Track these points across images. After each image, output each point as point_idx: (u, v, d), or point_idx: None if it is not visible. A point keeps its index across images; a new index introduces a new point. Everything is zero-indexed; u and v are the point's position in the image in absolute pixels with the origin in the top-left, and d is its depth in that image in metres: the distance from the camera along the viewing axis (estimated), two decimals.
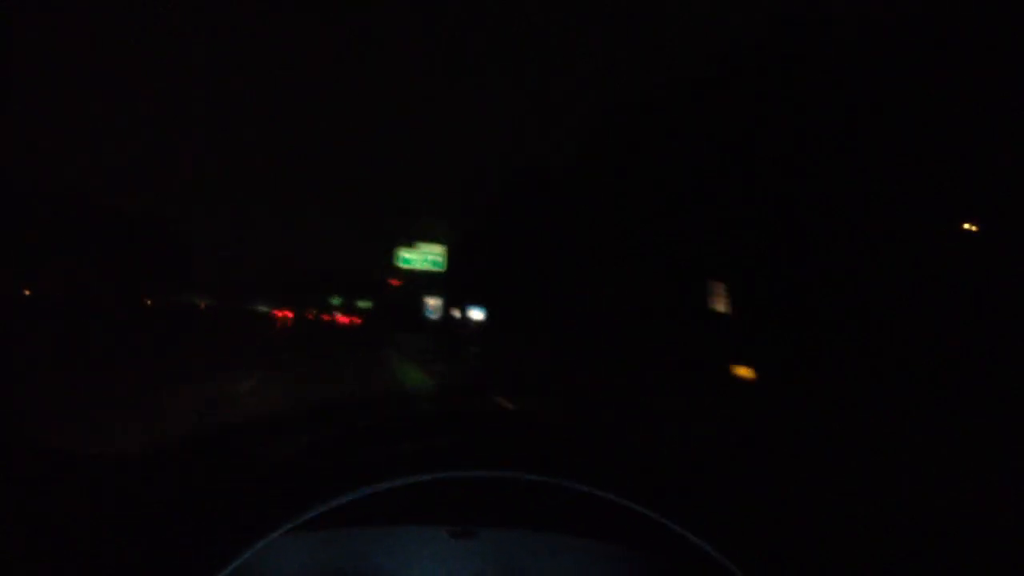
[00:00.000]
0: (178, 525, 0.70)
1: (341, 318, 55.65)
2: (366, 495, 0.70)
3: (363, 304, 58.23)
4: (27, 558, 0.75)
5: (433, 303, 33.32)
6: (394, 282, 66.45)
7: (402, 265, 28.84)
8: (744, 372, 11.65)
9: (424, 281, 33.13)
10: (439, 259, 28.83)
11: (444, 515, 0.95)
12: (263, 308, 53.22)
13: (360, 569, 0.97)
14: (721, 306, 13.79)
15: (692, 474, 0.89)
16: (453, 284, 31.13)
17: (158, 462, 1.02)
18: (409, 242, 28.74)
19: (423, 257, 28.93)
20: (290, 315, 52.25)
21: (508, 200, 26.80)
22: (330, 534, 0.92)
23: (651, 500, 0.75)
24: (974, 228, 9.55)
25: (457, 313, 33.27)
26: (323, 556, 0.96)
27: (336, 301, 61.97)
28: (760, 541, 0.76)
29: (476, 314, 29.21)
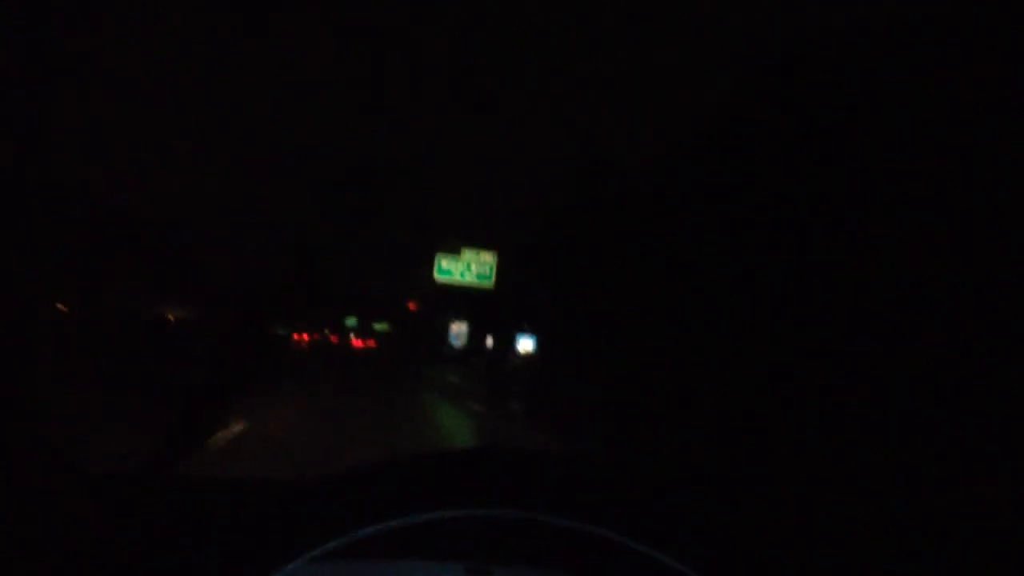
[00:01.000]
0: (196, 554, 0.70)
1: (356, 342, 53.52)
2: (385, 530, 0.71)
3: (379, 327, 56.84)
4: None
5: (457, 328, 31.76)
6: (412, 305, 64.88)
7: (440, 278, 23.04)
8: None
9: (455, 301, 31.40)
10: (487, 270, 23.20)
11: (461, 552, 0.93)
12: (280, 331, 50.97)
13: None
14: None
15: (719, 523, 0.83)
16: (487, 307, 27.58)
17: (179, 488, 1.06)
18: (452, 248, 23.38)
19: (466, 267, 23.11)
20: (306, 338, 50.60)
21: (570, 208, 21.57)
22: (346, 565, 0.89)
23: (674, 549, 0.73)
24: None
25: (489, 341, 30.19)
26: None
27: (351, 323, 60.28)
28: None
29: (525, 344, 24.91)
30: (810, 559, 0.83)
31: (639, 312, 15.64)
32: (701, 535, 0.80)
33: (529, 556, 0.95)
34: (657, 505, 0.84)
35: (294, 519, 0.74)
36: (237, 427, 6.66)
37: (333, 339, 50.45)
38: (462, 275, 22.81)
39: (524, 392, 16.49)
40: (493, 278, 22.93)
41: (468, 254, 22.76)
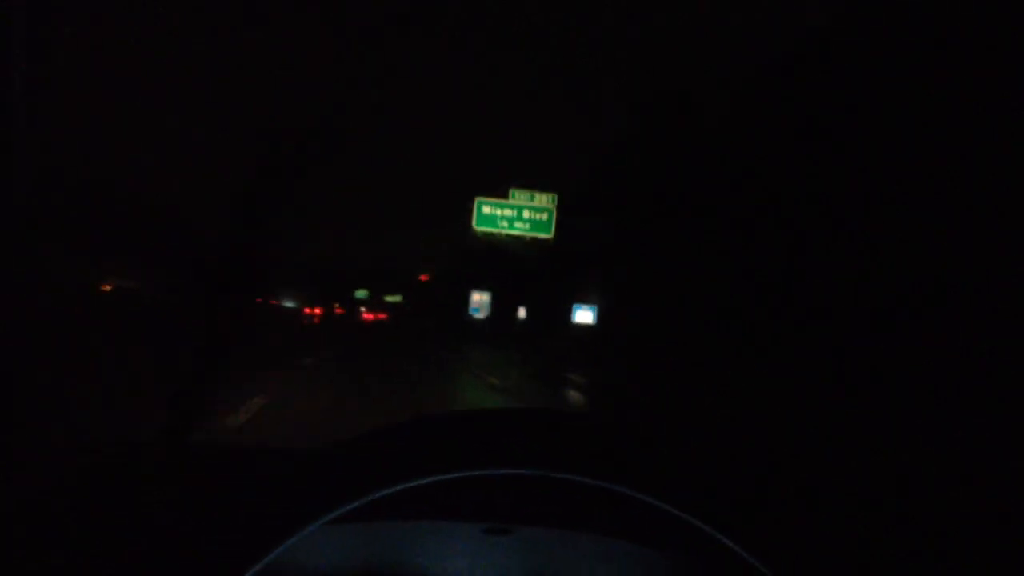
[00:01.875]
0: (213, 518, 0.72)
1: (366, 315, 50.76)
2: (402, 490, 0.73)
3: (391, 299, 54.54)
4: (34, 556, 0.79)
5: (478, 299, 29.17)
6: (424, 277, 62.71)
7: (481, 229, 17.66)
8: None
9: (476, 269, 28.68)
10: (545, 217, 17.47)
11: (481, 512, 0.96)
12: (290, 304, 47.74)
13: (393, 563, 1.00)
14: None
15: (728, 476, 0.82)
16: (521, 274, 23.51)
17: (195, 453, 1.07)
18: (498, 192, 17.49)
19: (516, 214, 17.52)
20: (319, 312, 47.93)
21: (639, 144, 16.90)
22: (363, 527, 0.94)
23: (690, 505, 0.76)
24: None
25: (521, 312, 26.22)
26: (356, 549, 0.98)
27: (361, 294, 57.81)
28: (797, 544, 0.77)
29: (583, 316, 19.89)
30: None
31: (731, 276, 12.97)
32: (717, 490, 0.79)
33: (548, 516, 0.97)
34: (675, 462, 0.82)
35: (310, 482, 0.73)
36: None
37: (338, 310, 47.45)
38: (510, 224, 17.19)
39: (586, 378, 13.14)
40: (552, 226, 17.14)
41: (520, 196, 17.32)
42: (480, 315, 27.87)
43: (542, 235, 17.49)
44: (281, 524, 0.69)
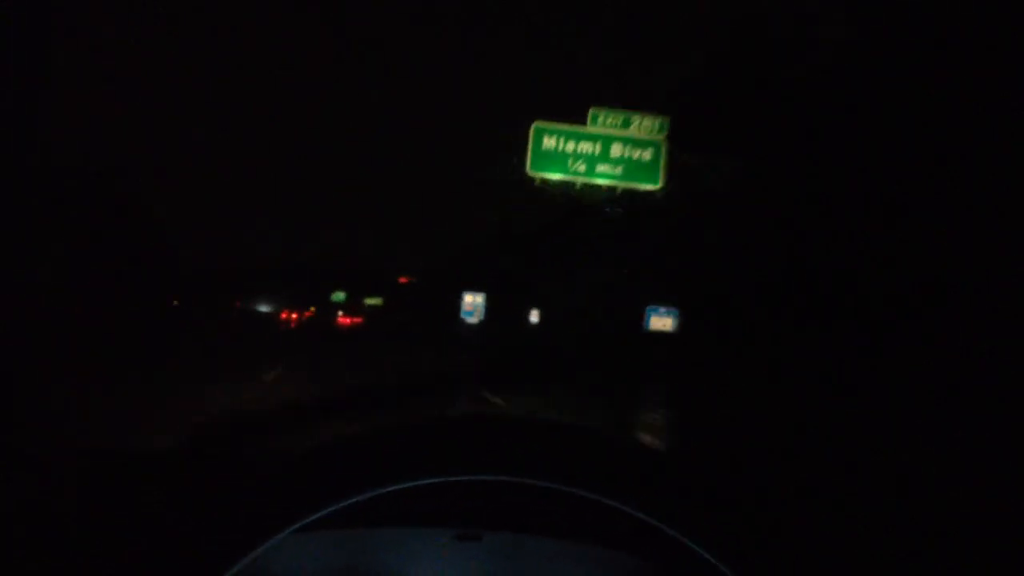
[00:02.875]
0: (185, 522, 0.72)
1: (342, 319, 47.30)
2: (373, 496, 0.73)
3: (372, 301, 51.35)
4: (32, 555, 0.80)
5: (471, 300, 25.82)
6: (403, 279, 59.74)
7: (540, 175, 11.06)
8: None
9: (465, 268, 25.57)
10: (650, 155, 10.96)
11: (450, 518, 0.97)
12: (263, 308, 44.00)
13: (365, 569, 1.00)
14: None
15: (698, 480, 0.84)
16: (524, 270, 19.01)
17: (166, 457, 1.07)
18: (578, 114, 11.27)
19: (601, 148, 11.00)
20: (295, 316, 44.37)
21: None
22: (335, 534, 0.94)
23: (657, 510, 0.76)
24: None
25: (534, 316, 20.87)
26: (328, 555, 0.99)
27: (339, 297, 54.60)
28: (765, 549, 0.78)
29: (660, 321, 14.02)
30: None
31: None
32: (687, 496, 0.81)
33: (518, 522, 0.98)
34: (641, 469, 0.83)
35: (278, 491, 0.74)
36: None
37: (306, 314, 43.38)
38: (589, 165, 10.82)
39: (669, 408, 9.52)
40: (660, 167, 10.73)
41: (607, 120, 10.89)
42: (473, 319, 24.87)
43: (640, 184, 10.94)
44: (248, 534, 0.68)
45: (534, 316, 20.67)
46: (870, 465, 5.31)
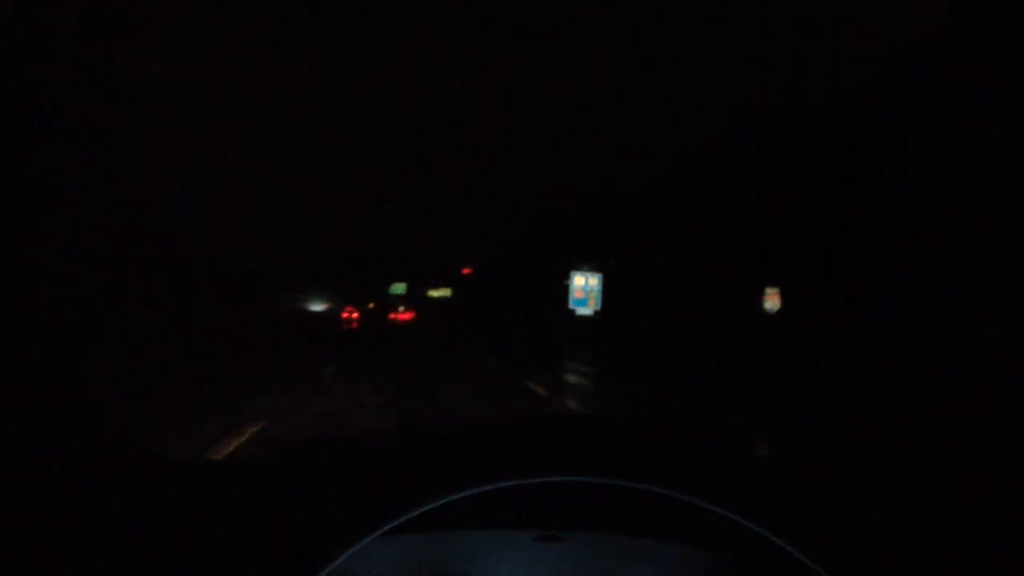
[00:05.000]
0: (277, 528, 0.74)
1: (402, 315, 40.82)
2: (453, 500, 0.72)
3: (437, 294, 45.60)
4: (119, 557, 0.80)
5: (582, 283, 18.22)
6: (466, 271, 53.38)
7: None
8: None
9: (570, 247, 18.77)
10: None
11: (532, 519, 0.95)
12: (317, 306, 37.34)
13: (443, 572, 0.99)
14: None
15: (780, 478, 0.88)
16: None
17: (256, 466, 1.09)
18: None
19: None
20: (355, 315, 38.20)
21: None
22: (413, 538, 0.93)
23: (745, 507, 0.75)
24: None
25: (770, 303, 11.79)
26: (407, 559, 0.98)
27: (398, 290, 48.59)
28: (853, 547, 0.78)
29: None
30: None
31: None
32: (770, 494, 0.80)
33: (598, 521, 0.95)
34: (724, 467, 0.83)
35: (361, 495, 0.75)
36: None
37: (343, 315, 36.13)
38: None
39: None
40: None
41: None
42: (586, 311, 18.07)
43: None
44: (334, 539, 0.69)
45: (772, 302, 11.75)
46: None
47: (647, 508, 0.83)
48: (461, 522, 0.89)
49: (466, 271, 48.26)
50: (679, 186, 15.92)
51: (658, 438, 0.84)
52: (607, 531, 0.96)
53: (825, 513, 0.81)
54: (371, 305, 41.54)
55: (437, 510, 0.72)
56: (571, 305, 19.37)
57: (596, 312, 19.45)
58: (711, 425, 6.73)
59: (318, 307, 35.16)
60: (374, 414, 7.17)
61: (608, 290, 19.42)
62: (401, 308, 42.83)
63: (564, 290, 19.89)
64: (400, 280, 50.54)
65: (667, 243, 16.11)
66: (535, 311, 22.47)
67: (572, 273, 19.42)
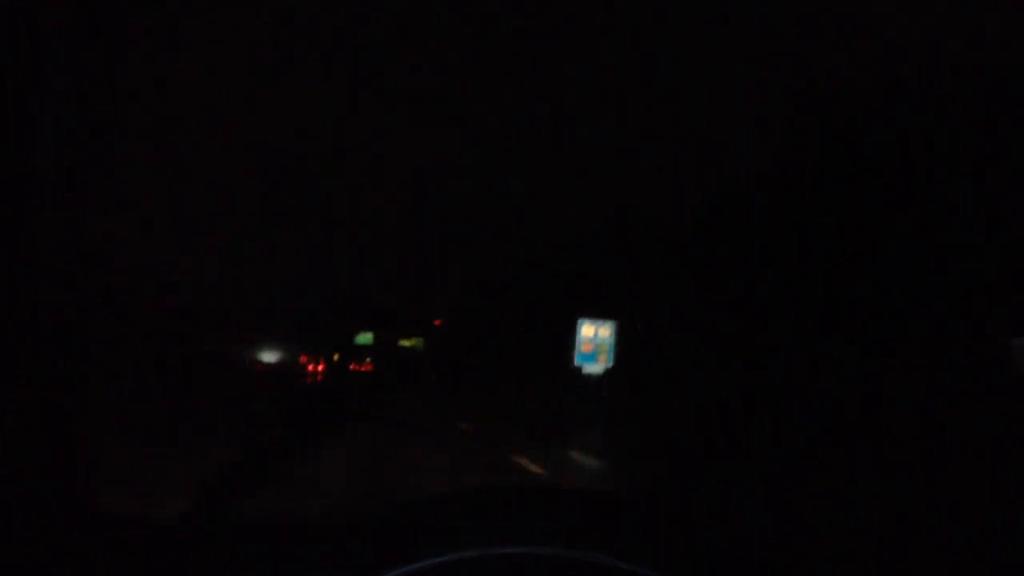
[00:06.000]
0: None
1: (364, 366, 36.98)
2: (429, 566, 0.72)
3: (408, 343, 41.95)
4: None
5: (591, 333, 15.89)
6: (438, 322, 49.54)
7: None
8: None
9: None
10: None
11: None
12: (270, 355, 33.00)
13: None
14: None
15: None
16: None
17: (220, 526, 1.08)
18: None
19: None
20: (320, 367, 34.17)
21: None
22: None
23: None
24: None
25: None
26: None
27: (364, 340, 44.63)
28: None
29: None
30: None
31: None
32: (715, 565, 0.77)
33: None
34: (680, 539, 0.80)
35: (324, 564, 0.73)
36: None
37: (308, 367, 32.30)
38: None
39: None
40: None
41: None
42: (595, 366, 14.87)
43: None
44: None
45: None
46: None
47: None
48: None
49: (437, 322, 44.75)
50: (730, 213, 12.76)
51: (623, 510, 0.81)
52: None
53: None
54: (335, 357, 37.51)
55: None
56: (577, 361, 15.78)
57: (608, 370, 15.88)
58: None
59: (271, 357, 31.05)
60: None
61: (626, 342, 15.83)
62: (368, 359, 38.53)
63: (564, 341, 16.31)
64: (366, 329, 46.47)
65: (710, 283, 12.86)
66: (528, 366, 18.93)
67: (580, 322, 15.90)
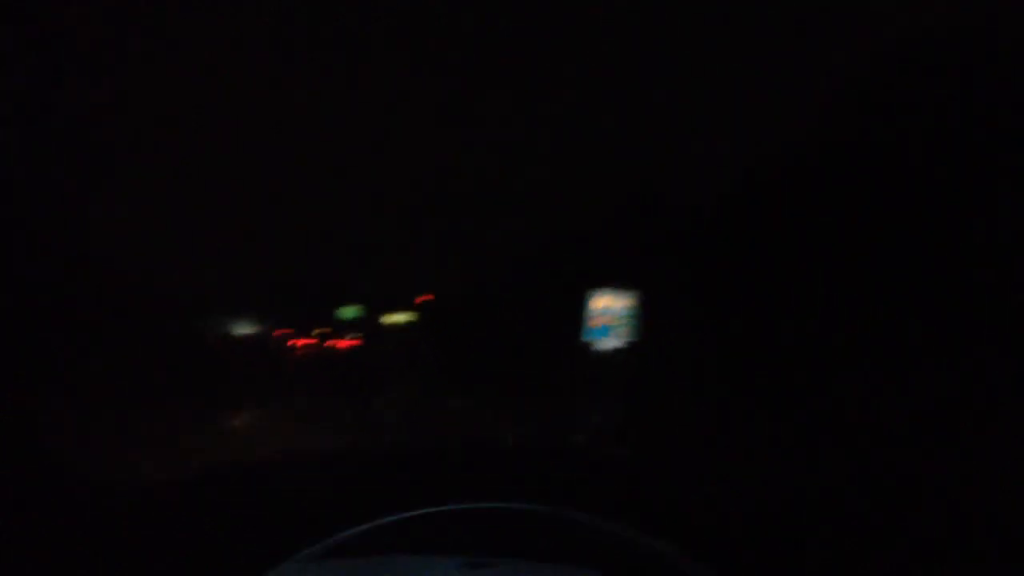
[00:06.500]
0: (201, 551, 0.77)
1: (341, 342, 36.52)
2: (387, 524, 0.78)
3: (397, 319, 41.87)
4: None
5: (603, 304, 14.50)
6: (423, 298, 49.28)
7: None
8: None
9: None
10: None
11: (464, 545, 0.97)
12: (243, 329, 32.51)
13: None
14: None
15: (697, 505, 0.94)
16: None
17: (183, 492, 1.11)
18: None
19: None
20: (312, 342, 33.81)
21: None
22: (348, 562, 0.95)
23: (660, 533, 0.80)
24: None
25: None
26: None
27: (350, 314, 44.52)
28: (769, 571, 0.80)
29: None
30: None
31: None
32: (686, 520, 0.84)
33: (530, 549, 0.98)
34: (642, 493, 0.89)
35: (285, 520, 0.78)
36: None
37: (299, 343, 31.66)
38: None
39: None
40: None
41: None
42: (609, 341, 14.03)
43: None
44: (255, 563, 0.70)
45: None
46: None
47: (565, 533, 0.84)
48: (395, 547, 0.92)
49: (425, 297, 44.83)
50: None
51: (569, 461, 0.91)
52: (537, 557, 0.97)
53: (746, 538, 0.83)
54: (318, 332, 37.50)
55: (370, 535, 0.74)
56: (585, 336, 15.07)
57: (625, 343, 15.11)
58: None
59: (247, 330, 30.60)
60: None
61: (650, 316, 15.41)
62: (349, 335, 38.43)
63: (573, 314, 16.03)
64: (351, 304, 46.47)
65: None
66: (529, 342, 18.76)
67: (590, 293, 15.32)
